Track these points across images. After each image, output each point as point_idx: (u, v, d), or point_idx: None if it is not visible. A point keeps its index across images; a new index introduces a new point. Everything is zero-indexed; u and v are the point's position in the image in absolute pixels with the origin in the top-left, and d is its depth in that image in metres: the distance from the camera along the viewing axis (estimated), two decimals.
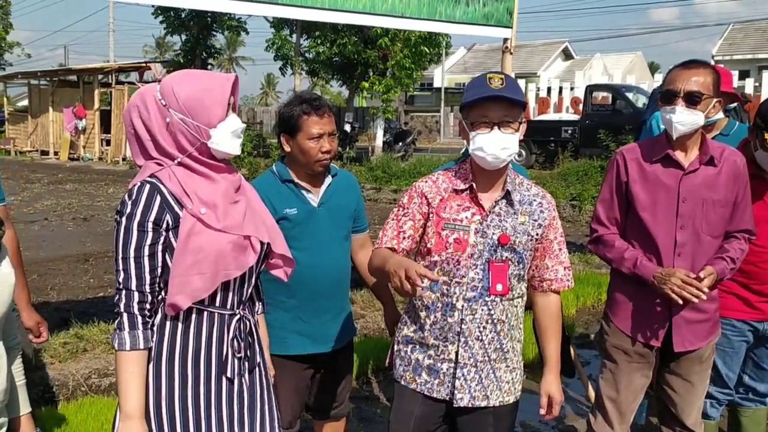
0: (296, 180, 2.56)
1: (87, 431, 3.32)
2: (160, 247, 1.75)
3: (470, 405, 2.13)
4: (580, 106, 18.50)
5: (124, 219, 1.73)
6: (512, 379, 2.19)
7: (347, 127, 19.91)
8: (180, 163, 1.78)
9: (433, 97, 36.39)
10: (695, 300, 2.34)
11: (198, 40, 22.64)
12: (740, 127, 3.48)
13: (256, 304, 2.12)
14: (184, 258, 1.73)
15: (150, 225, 1.73)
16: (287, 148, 2.55)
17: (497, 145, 2.02)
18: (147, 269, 1.73)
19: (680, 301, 2.37)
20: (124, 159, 20.38)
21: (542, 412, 2.21)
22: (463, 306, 2.09)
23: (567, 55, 40.47)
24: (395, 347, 2.26)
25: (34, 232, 9.57)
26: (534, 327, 2.37)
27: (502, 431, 2.22)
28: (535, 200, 2.16)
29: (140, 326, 1.74)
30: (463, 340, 2.10)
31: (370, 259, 2.18)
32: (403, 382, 2.21)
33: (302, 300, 2.57)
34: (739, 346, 2.86)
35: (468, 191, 2.12)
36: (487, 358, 2.13)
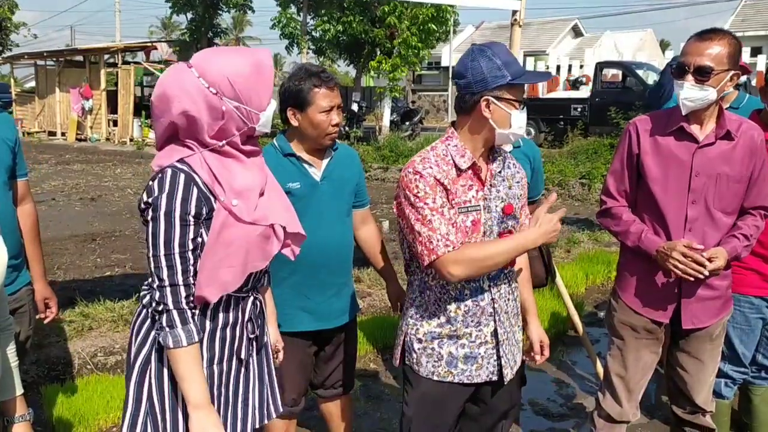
0: (298, 154, 2.52)
1: (93, 409, 3.31)
2: (200, 240, 1.70)
3: (511, 376, 2.17)
4: (590, 84, 18.33)
5: (162, 214, 1.65)
6: (521, 336, 2.26)
7: (354, 107, 19.78)
8: (214, 149, 1.71)
9: (441, 75, 36.10)
10: (699, 276, 2.28)
11: (204, 19, 22.50)
12: (750, 100, 3.40)
13: (262, 279, 2.08)
14: (215, 251, 1.69)
15: (191, 218, 1.67)
16: (294, 123, 2.49)
17: (521, 124, 2.03)
18: (191, 262, 1.69)
19: (688, 278, 2.31)
20: (131, 139, 20.35)
21: (538, 358, 2.29)
22: (489, 286, 2.07)
23: (576, 32, 39.95)
24: (416, 346, 2.12)
25: (42, 212, 9.54)
26: None
27: (516, 393, 2.32)
28: (511, 163, 2.19)
29: (191, 320, 1.70)
30: (497, 318, 2.09)
31: (455, 267, 1.95)
32: (436, 378, 2.10)
33: (305, 276, 2.54)
34: (756, 324, 2.80)
35: (469, 169, 2.03)
36: (511, 326, 2.17)
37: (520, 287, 2.29)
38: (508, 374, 2.14)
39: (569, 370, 4.27)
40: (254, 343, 1.91)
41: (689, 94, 2.31)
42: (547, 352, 2.30)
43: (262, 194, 1.79)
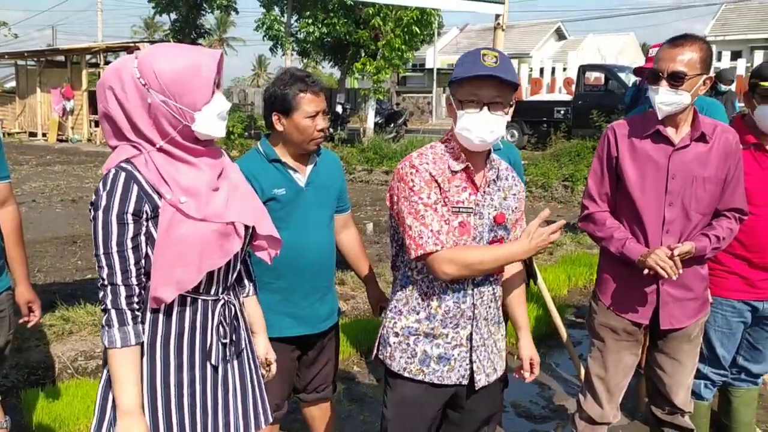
0: (283, 159, 2.50)
1: (73, 413, 3.28)
2: (142, 239, 1.67)
3: (486, 384, 2.13)
4: (573, 87, 18.47)
5: (101, 212, 1.63)
6: (504, 345, 2.25)
7: (339, 109, 19.78)
8: (160, 148, 1.68)
9: (425, 77, 36.25)
10: (673, 276, 2.31)
11: (187, 20, 22.37)
12: (698, 99, 3.39)
13: (246, 285, 2.07)
14: (166, 250, 1.66)
15: (130, 217, 1.64)
16: (280, 128, 2.47)
17: (485, 126, 1.95)
18: (132, 262, 1.66)
19: (664, 275, 2.32)
20: None
21: (526, 375, 2.25)
22: (473, 291, 2.07)
23: (560, 35, 40.28)
24: (392, 339, 2.13)
25: (22, 213, 9.42)
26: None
27: (497, 399, 2.32)
28: (508, 174, 2.17)
29: (130, 322, 1.67)
30: (475, 324, 2.08)
31: (449, 266, 1.97)
32: (407, 375, 2.10)
33: (289, 281, 2.53)
34: (737, 328, 2.84)
35: (463, 171, 2.04)
36: (490, 334, 2.15)
37: (514, 303, 2.29)
38: (481, 380, 2.11)
39: (551, 372, 4.30)
40: (229, 350, 1.87)
41: (664, 98, 2.35)
42: (537, 371, 2.27)
43: (216, 191, 1.75)
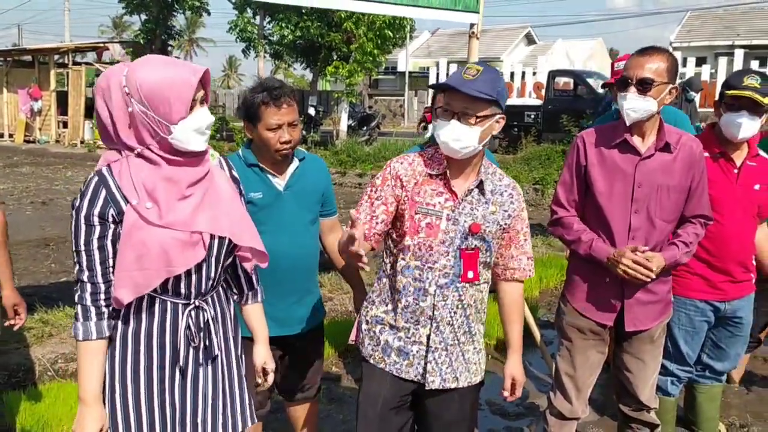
0: (261, 164, 2.56)
1: (56, 415, 3.31)
2: (108, 241, 1.76)
3: (441, 387, 2.18)
4: (543, 91, 18.74)
5: (74, 212, 1.76)
6: (479, 360, 2.25)
7: (311, 111, 19.80)
8: (139, 154, 1.76)
9: (397, 80, 36.34)
10: (646, 280, 2.45)
11: (158, 21, 22.15)
12: (665, 109, 3.53)
13: (245, 293, 2.13)
14: (126, 253, 1.74)
15: (95, 219, 1.74)
16: (249, 135, 2.56)
17: (451, 135, 2.03)
18: (97, 261, 1.76)
19: (637, 281, 2.47)
20: (82, 142, 19.93)
21: (506, 394, 2.29)
22: (435, 291, 2.13)
23: (530, 40, 40.71)
24: (363, 326, 2.28)
25: None
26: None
27: (466, 408, 2.27)
28: (506, 191, 2.20)
29: (93, 317, 1.77)
30: (435, 325, 2.14)
31: (338, 242, 2.15)
32: (372, 361, 2.23)
33: (266, 283, 2.57)
34: (700, 326, 2.98)
35: (441, 177, 2.13)
36: (456, 342, 2.18)
37: (507, 323, 2.31)
38: (435, 382, 2.16)
39: (525, 370, 4.40)
40: (202, 353, 1.92)
41: (632, 104, 2.47)
42: (518, 392, 2.30)
43: (185, 199, 1.81)
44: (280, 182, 2.59)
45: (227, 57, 68.65)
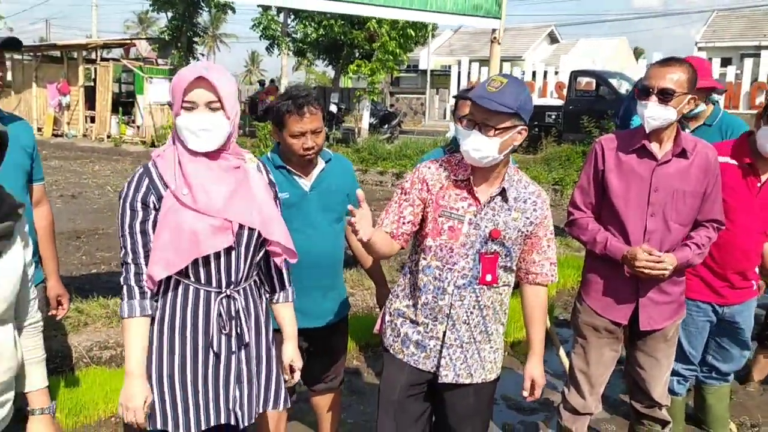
0: (288, 167, 2.69)
1: (92, 399, 3.50)
2: (149, 226, 1.94)
3: (454, 382, 2.29)
4: (564, 91, 18.67)
5: (121, 200, 1.96)
6: (495, 359, 2.35)
7: (333, 108, 19.92)
8: (171, 147, 1.97)
9: (419, 78, 36.37)
10: (660, 276, 2.56)
11: (184, 18, 22.43)
12: (725, 117, 3.56)
13: (277, 292, 2.26)
14: (162, 233, 1.92)
15: (138, 204, 1.93)
16: (276, 139, 2.70)
17: (470, 144, 2.12)
18: (140, 244, 1.94)
19: (655, 277, 2.57)
20: (108, 136, 20.24)
21: (525, 394, 2.36)
22: (453, 291, 2.23)
23: (553, 38, 40.53)
24: (386, 318, 2.43)
25: None
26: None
27: (483, 404, 2.37)
28: (530, 198, 2.26)
29: (137, 296, 1.95)
30: (451, 323, 2.25)
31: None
32: (392, 351, 2.38)
33: (293, 277, 2.71)
34: (703, 326, 3.07)
35: (466, 183, 2.23)
36: (472, 340, 2.28)
37: (529, 326, 2.38)
38: (448, 376, 2.27)
39: None
40: (234, 341, 2.06)
41: (653, 112, 2.55)
42: (537, 394, 2.36)
43: (218, 189, 1.97)
44: (306, 183, 2.72)
45: (250, 53, 69.11)
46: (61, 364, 3.84)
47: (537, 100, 20.59)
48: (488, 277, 2.22)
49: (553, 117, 17.21)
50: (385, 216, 2.33)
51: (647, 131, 2.62)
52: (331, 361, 2.98)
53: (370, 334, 4.63)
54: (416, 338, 2.31)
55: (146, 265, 1.94)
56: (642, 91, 2.61)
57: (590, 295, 2.82)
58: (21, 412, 1.87)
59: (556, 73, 24.00)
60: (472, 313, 2.26)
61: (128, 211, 1.94)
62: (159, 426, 2.03)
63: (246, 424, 2.12)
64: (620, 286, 2.72)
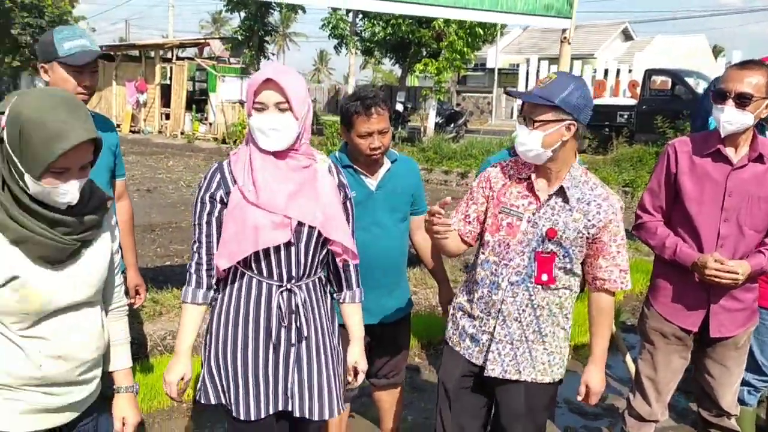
0: (355, 166, 2.76)
1: None
2: (215, 218, 2.07)
3: (501, 377, 2.30)
4: (638, 90, 18.15)
5: (196, 194, 2.10)
6: (549, 361, 2.30)
7: (399, 107, 19.99)
8: (244, 147, 2.07)
9: (486, 77, 36.08)
10: (733, 284, 2.50)
11: (256, 18, 22.97)
12: None
13: (343, 290, 2.30)
14: (228, 226, 2.04)
15: (207, 198, 2.06)
16: (344, 139, 2.77)
17: (517, 139, 2.21)
18: (204, 235, 2.08)
19: (726, 285, 2.51)
20: (182, 133, 20.98)
21: (579, 398, 2.37)
22: (506, 287, 2.26)
23: (627, 36, 39.46)
24: (450, 312, 2.52)
25: None
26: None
27: (535, 406, 2.33)
28: (594, 201, 2.21)
29: (193, 284, 2.09)
30: (501, 318, 2.27)
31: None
32: (450, 343, 2.45)
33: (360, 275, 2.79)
34: None
35: (528, 181, 2.26)
36: (524, 338, 2.27)
37: (592, 332, 2.33)
38: (494, 370, 2.29)
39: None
40: (292, 334, 2.11)
41: (729, 117, 2.50)
42: (591, 400, 2.33)
43: (282, 187, 2.04)
44: (372, 182, 2.78)
45: (318, 51, 70.12)
46: (137, 352, 4.01)
47: (608, 100, 20.14)
48: (544, 277, 2.21)
49: (625, 117, 16.76)
50: (454, 215, 2.39)
51: (723, 135, 2.56)
52: (393, 357, 3.03)
53: (432, 332, 4.68)
54: (471, 332, 2.37)
55: (207, 255, 2.08)
56: (718, 94, 2.55)
57: (659, 300, 2.78)
58: (102, 393, 2.00)
59: (630, 71, 23.33)
60: (524, 311, 2.26)
61: (199, 205, 2.08)
62: (214, 401, 2.16)
63: (297, 415, 2.14)
64: (690, 292, 2.67)
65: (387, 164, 2.82)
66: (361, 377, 2.36)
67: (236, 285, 2.10)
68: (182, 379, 2.12)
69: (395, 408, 3.18)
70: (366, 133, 2.64)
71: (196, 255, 2.09)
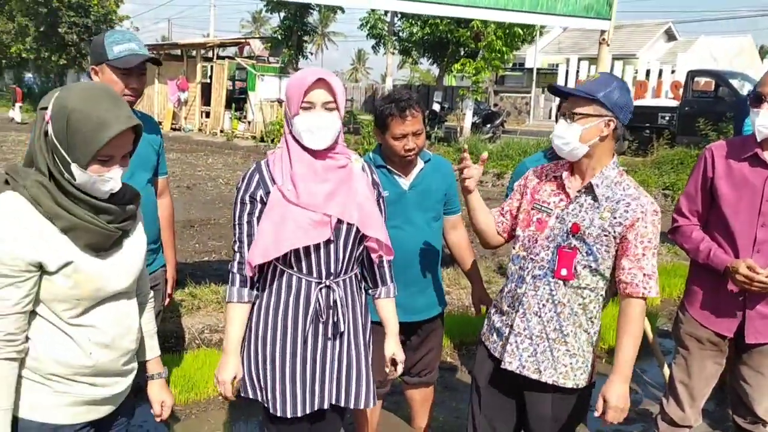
0: (388, 166, 2.81)
1: (202, 377, 3.77)
2: (255, 218, 2.10)
3: (518, 371, 2.29)
4: (680, 91, 17.81)
5: (236, 194, 2.14)
6: (571, 364, 2.25)
7: (436, 107, 19.98)
8: (284, 148, 2.12)
9: (525, 77, 35.73)
10: (764, 291, 2.46)
11: (295, 18, 23.20)
12: None
13: (379, 287, 2.35)
14: (265, 223, 2.08)
15: (248, 198, 2.10)
16: (378, 140, 2.81)
17: (556, 132, 2.23)
18: (245, 234, 2.11)
19: (757, 292, 2.49)
20: (221, 131, 21.30)
21: (596, 414, 2.17)
22: (530, 281, 2.28)
23: (670, 36, 38.70)
24: (490, 309, 2.55)
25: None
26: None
27: (563, 415, 2.29)
28: (624, 200, 2.17)
29: (237, 283, 2.13)
30: (521, 311, 2.29)
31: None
32: (482, 339, 2.49)
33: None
34: None
35: (560, 178, 2.30)
36: (544, 336, 2.26)
37: (618, 342, 2.19)
38: (512, 364, 2.29)
39: (638, 378, 4.41)
40: (329, 329, 2.17)
41: (764, 121, 2.47)
42: (610, 417, 2.12)
43: (321, 186, 2.09)
44: (405, 182, 2.82)
45: (356, 51, 70.41)
46: (175, 345, 4.15)
47: (649, 101, 19.77)
48: (563, 272, 2.20)
49: (667, 118, 16.46)
50: (494, 209, 2.50)
51: (759, 140, 2.53)
52: (426, 355, 3.06)
53: (464, 332, 4.70)
54: (498, 326, 2.40)
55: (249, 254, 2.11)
56: (754, 98, 2.52)
57: (694, 305, 2.75)
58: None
59: (673, 71, 22.86)
60: (544, 305, 2.26)
61: (239, 204, 2.11)
62: (252, 396, 2.21)
63: (334, 402, 2.21)
64: (726, 297, 2.64)
65: (420, 164, 2.86)
66: (400, 368, 2.41)
67: (275, 283, 2.15)
68: (235, 377, 2.16)
69: (427, 407, 3.21)
70: (400, 135, 2.68)
71: (239, 254, 2.12)
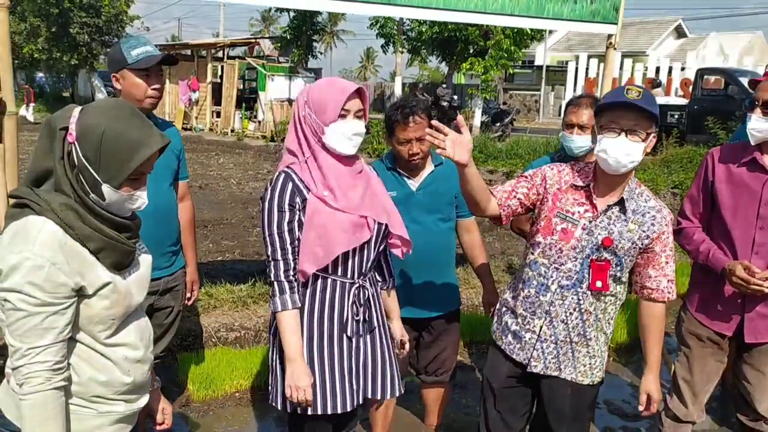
0: (398, 168, 2.94)
1: (219, 375, 3.89)
2: (296, 224, 2.15)
3: (542, 373, 2.39)
4: (690, 89, 17.76)
5: (266, 203, 2.16)
6: (590, 364, 2.39)
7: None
8: (309, 158, 2.18)
9: (534, 74, 35.62)
10: (763, 291, 2.54)
11: (305, 17, 23.28)
12: None
13: (387, 280, 2.49)
14: (310, 233, 2.13)
15: (286, 206, 2.14)
16: (388, 144, 2.95)
17: (622, 150, 2.15)
18: (288, 242, 2.15)
19: (754, 294, 2.56)
20: (232, 131, 21.42)
21: (641, 408, 2.42)
22: (556, 290, 2.33)
23: (680, 33, 38.50)
24: (497, 307, 2.62)
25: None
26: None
27: (581, 407, 2.44)
28: (649, 212, 2.28)
29: (287, 291, 2.16)
30: (548, 319, 2.36)
31: None
32: (494, 338, 2.56)
33: (401, 270, 2.91)
34: None
35: (585, 189, 2.32)
36: (568, 340, 2.36)
37: (645, 341, 2.42)
38: (537, 367, 2.38)
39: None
40: (364, 325, 2.29)
41: (756, 125, 2.55)
42: (653, 408, 2.40)
43: (353, 190, 2.18)
44: (413, 183, 2.95)
45: (365, 49, 70.50)
46: (193, 343, 4.26)
47: (659, 99, 19.68)
48: (598, 284, 2.27)
49: (676, 117, 16.42)
50: (500, 186, 2.43)
51: (752, 144, 2.61)
52: (440, 354, 3.15)
53: (474, 331, 4.78)
54: (514, 329, 2.46)
55: (293, 260, 2.14)
56: (750, 103, 2.60)
57: (695, 304, 2.84)
58: None
59: (683, 69, 22.78)
60: (571, 314, 2.33)
61: (276, 213, 2.13)
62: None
63: (369, 396, 2.34)
64: (725, 297, 2.72)
65: (430, 167, 2.97)
66: (407, 347, 2.55)
67: (311, 288, 2.22)
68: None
69: (440, 406, 3.32)
70: (404, 140, 2.82)
71: (283, 263, 2.14)
